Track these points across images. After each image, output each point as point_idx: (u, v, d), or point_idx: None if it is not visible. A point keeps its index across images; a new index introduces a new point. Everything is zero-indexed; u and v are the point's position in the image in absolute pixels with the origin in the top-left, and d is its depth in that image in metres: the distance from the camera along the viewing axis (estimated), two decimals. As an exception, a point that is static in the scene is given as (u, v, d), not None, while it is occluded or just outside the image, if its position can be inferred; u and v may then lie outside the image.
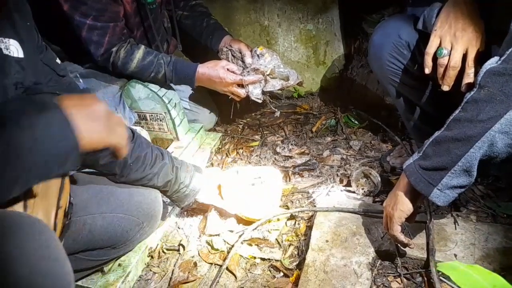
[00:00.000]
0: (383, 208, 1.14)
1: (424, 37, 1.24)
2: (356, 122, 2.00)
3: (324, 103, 2.24)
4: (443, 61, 1.12)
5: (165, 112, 1.80)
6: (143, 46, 1.67)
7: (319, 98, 2.27)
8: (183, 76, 1.73)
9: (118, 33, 1.60)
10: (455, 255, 1.17)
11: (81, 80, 1.66)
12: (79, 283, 1.25)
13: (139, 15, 1.70)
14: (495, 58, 0.93)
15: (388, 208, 1.10)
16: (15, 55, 0.88)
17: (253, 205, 1.41)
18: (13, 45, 0.88)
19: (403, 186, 1.05)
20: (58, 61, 1.09)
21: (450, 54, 1.11)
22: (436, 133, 0.99)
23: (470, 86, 1.05)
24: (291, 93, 2.30)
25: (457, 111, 0.96)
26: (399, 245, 1.18)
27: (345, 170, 1.68)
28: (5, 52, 0.86)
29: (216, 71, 1.71)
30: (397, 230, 1.09)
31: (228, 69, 1.72)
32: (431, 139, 1.00)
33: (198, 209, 1.56)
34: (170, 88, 1.83)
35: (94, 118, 0.75)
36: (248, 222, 1.44)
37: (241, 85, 1.74)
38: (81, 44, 1.58)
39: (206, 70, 1.72)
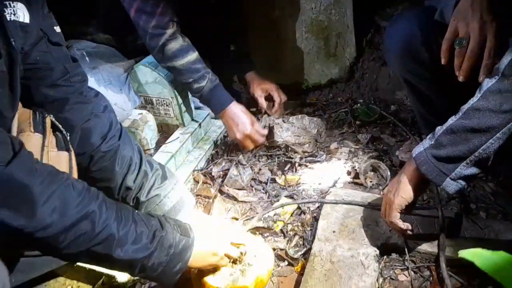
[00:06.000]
0: (383, 195, 1.11)
1: (441, 28, 1.20)
2: (366, 115, 1.97)
3: (333, 95, 2.21)
4: (461, 51, 1.09)
5: (172, 97, 1.77)
6: (197, 52, 1.64)
7: (328, 90, 2.24)
8: (215, 100, 1.69)
9: (170, 9, 1.55)
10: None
11: (87, 58, 1.63)
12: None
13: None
14: None
15: (389, 195, 1.08)
16: (21, 19, 0.82)
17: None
18: (20, 9, 0.81)
19: (408, 173, 1.03)
20: (57, 29, 1.00)
21: (468, 44, 1.08)
22: (451, 121, 0.96)
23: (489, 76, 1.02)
24: (300, 85, 2.28)
25: (475, 99, 0.93)
26: (397, 233, 1.15)
27: (353, 163, 1.65)
28: (12, 18, 0.79)
29: (244, 116, 1.68)
30: (395, 217, 1.07)
31: (254, 125, 1.69)
32: (444, 127, 0.97)
33: (203, 196, 1.54)
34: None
35: (204, 264, 1.03)
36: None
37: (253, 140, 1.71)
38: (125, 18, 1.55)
39: (238, 110, 1.68)
